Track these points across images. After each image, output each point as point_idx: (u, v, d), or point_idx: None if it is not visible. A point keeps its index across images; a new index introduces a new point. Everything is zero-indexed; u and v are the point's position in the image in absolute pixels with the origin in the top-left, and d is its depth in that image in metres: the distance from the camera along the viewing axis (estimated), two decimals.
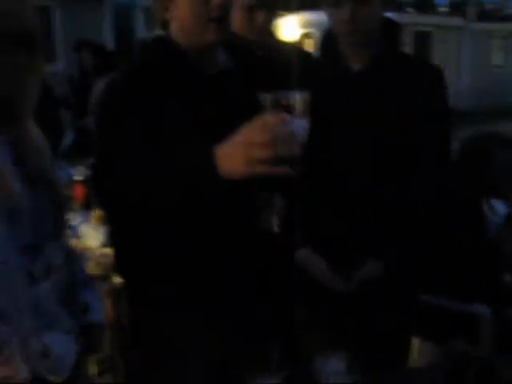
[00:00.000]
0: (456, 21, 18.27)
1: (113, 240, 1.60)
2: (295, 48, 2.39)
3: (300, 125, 1.16)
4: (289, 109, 1.16)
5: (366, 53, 1.73)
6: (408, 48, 16.25)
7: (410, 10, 20.95)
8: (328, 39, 1.79)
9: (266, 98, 1.16)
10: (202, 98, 1.40)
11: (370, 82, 1.71)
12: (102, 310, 1.49)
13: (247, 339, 1.43)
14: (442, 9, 21.57)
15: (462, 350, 1.42)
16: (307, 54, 2.20)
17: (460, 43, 18.10)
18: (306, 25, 14.42)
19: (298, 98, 1.17)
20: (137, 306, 1.55)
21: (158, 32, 1.55)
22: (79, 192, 3.09)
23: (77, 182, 3.15)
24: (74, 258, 1.46)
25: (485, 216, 2.62)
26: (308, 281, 1.71)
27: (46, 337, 1.19)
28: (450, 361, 1.41)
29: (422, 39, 16.97)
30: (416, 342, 2.33)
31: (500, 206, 3.60)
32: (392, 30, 1.79)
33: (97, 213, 2.85)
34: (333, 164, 1.68)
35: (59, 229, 1.32)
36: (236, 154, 1.16)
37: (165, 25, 1.46)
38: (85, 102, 4.89)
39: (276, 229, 1.57)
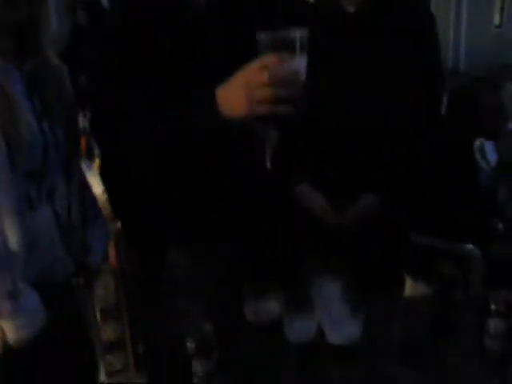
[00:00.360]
0: None
1: (109, 182, 1.60)
2: None
3: (300, 63, 1.14)
4: (288, 47, 1.12)
5: None
6: None
7: None
8: None
9: (265, 36, 1.13)
10: (191, 32, 1.42)
11: (364, 24, 1.74)
12: (102, 252, 1.54)
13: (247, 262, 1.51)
14: None
15: (449, 274, 1.49)
16: None
17: (460, 3, 17.82)
18: None
19: (297, 36, 1.13)
20: (137, 246, 1.61)
21: None
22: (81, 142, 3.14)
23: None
24: (88, 194, 1.51)
25: (477, 161, 2.70)
26: (306, 215, 1.77)
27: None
28: (438, 284, 1.48)
29: None
30: (409, 283, 2.42)
31: (493, 156, 3.68)
32: None
33: (98, 162, 2.92)
34: (328, 102, 1.71)
35: (71, 159, 1.35)
36: (237, 95, 1.15)
37: None
38: (82, 58, 4.84)
39: (268, 161, 1.63)
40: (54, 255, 1.30)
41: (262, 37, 1.12)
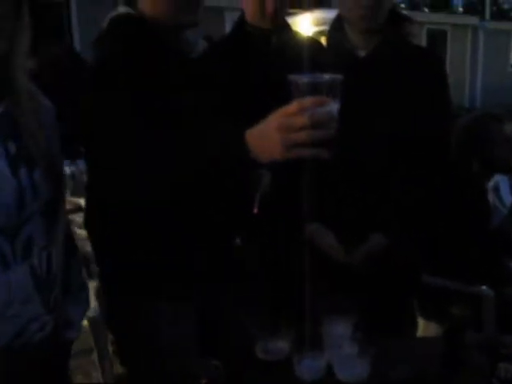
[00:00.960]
0: (471, 19, 18.20)
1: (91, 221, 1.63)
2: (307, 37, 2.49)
3: (335, 107, 1.14)
4: (324, 91, 1.12)
5: (373, 40, 1.81)
6: (423, 44, 16.27)
7: (425, 9, 20.83)
8: (337, 25, 1.87)
9: (303, 80, 1.11)
10: (188, 82, 1.46)
11: (375, 68, 1.79)
12: (81, 327, 1.44)
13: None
14: (457, 8, 21.44)
15: (461, 314, 1.50)
16: (318, 42, 2.28)
17: (476, 42, 18.02)
18: (319, 22, 14.41)
19: (335, 80, 1.14)
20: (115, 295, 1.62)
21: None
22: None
23: None
24: (72, 258, 1.39)
25: (489, 200, 2.71)
26: (317, 253, 1.80)
27: None
28: (450, 324, 1.49)
29: (437, 37, 16.94)
30: (421, 323, 2.41)
31: (508, 197, 3.68)
32: (397, 19, 1.87)
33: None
34: (339, 144, 1.75)
35: (52, 205, 1.24)
36: (272, 137, 1.13)
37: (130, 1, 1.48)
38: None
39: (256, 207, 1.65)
40: (30, 313, 1.20)
41: (302, 80, 1.12)
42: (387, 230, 1.78)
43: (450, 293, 2.32)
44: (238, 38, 2.10)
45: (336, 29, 1.87)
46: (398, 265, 1.82)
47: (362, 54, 1.83)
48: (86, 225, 1.64)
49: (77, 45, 10.85)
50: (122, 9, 1.51)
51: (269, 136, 1.14)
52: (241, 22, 2.27)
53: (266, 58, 2.08)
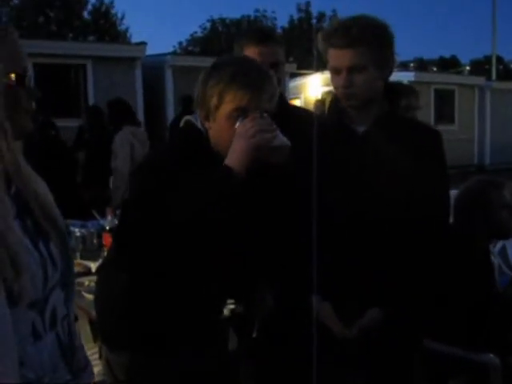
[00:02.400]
0: (478, 79, 18.52)
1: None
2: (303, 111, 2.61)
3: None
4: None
5: (368, 115, 1.87)
6: (431, 106, 16.52)
7: (433, 68, 21.21)
8: (335, 101, 1.94)
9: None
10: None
11: (373, 143, 1.85)
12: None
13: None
14: (464, 68, 21.82)
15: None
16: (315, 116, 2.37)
17: (483, 102, 18.26)
18: (328, 83, 14.76)
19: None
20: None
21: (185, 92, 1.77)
22: (108, 240, 3.28)
23: (106, 230, 3.35)
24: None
25: (493, 264, 2.72)
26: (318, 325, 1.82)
27: None
28: None
29: (445, 97, 17.19)
30: None
31: None
32: (394, 92, 1.95)
33: None
34: (337, 218, 1.80)
35: (66, 278, 1.31)
36: (238, 146, 1.54)
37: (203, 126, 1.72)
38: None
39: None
40: (59, 381, 1.25)
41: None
42: (385, 304, 1.80)
43: (455, 360, 2.31)
44: None
45: (335, 103, 1.93)
46: (396, 336, 1.83)
47: (360, 129, 1.89)
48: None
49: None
50: (188, 118, 1.79)
51: (236, 145, 1.55)
52: None
53: None
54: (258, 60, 2.19)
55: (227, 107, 1.60)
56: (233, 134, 1.57)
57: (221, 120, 1.62)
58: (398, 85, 2.93)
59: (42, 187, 1.34)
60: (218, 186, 1.53)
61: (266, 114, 1.59)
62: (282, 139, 1.57)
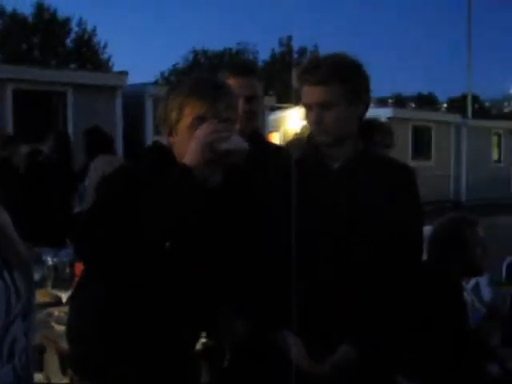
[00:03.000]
0: (454, 117, 18.90)
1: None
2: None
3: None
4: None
5: (343, 152, 1.89)
6: (408, 142, 16.78)
7: (411, 105, 21.63)
8: (311, 137, 1.95)
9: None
10: None
11: (347, 180, 1.87)
12: None
13: None
14: (442, 105, 22.27)
15: None
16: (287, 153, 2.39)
17: (459, 139, 18.62)
18: None
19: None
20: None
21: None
22: (80, 270, 3.24)
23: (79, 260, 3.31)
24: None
25: (466, 301, 2.74)
26: (287, 362, 1.79)
27: None
28: None
29: (422, 134, 17.49)
30: None
31: (487, 294, 3.70)
32: (369, 130, 1.98)
33: None
34: (311, 254, 1.81)
35: (28, 309, 1.35)
36: (191, 146, 1.57)
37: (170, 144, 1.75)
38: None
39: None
40: None
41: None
42: (357, 340, 1.79)
43: None
44: None
45: (311, 139, 1.95)
46: (369, 373, 1.82)
47: (335, 165, 1.90)
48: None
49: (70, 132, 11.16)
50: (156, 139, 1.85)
51: (190, 146, 1.58)
52: None
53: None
54: (236, 91, 2.25)
55: (187, 119, 1.66)
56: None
57: (182, 132, 1.67)
58: (373, 122, 2.97)
59: (5, 218, 1.36)
60: (177, 184, 1.55)
61: (226, 122, 1.64)
62: (236, 141, 1.59)
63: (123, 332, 1.70)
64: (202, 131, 1.58)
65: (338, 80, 1.80)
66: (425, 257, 2.49)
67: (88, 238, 1.57)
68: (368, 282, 1.81)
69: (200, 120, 1.63)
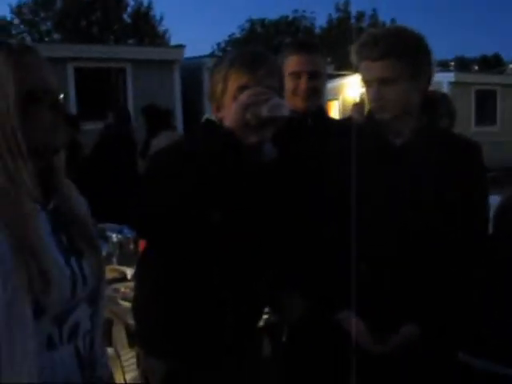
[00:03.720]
0: None
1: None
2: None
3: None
4: None
5: (406, 128, 1.84)
6: (471, 107, 16.22)
7: (474, 67, 20.84)
8: (372, 113, 1.89)
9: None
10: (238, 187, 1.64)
11: (410, 157, 1.81)
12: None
13: None
14: (507, 66, 21.37)
15: None
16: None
17: None
18: None
19: None
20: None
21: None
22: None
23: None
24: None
25: None
26: (347, 342, 1.79)
27: None
28: None
29: (486, 98, 16.84)
30: None
31: None
32: (432, 102, 1.90)
33: None
34: (371, 232, 1.78)
35: (96, 293, 1.36)
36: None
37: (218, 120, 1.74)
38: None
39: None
40: None
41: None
42: (420, 320, 1.76)
43: (496, 378, 2.24)
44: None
45: (372, 115, 1.90)
46: (433, 352, 1.79)
47: (397, 142, 1.85)
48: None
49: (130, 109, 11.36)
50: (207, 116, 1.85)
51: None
52: None
53: (301, 140, 2.16)
54: (297, 69, 2.23)
55: (231, 89, 1.68)
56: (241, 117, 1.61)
57: (228, 104, 1.67)
58: (436, 93, 2.86)
59: (80, 205, 1.38)
60: (219, 146, 1.55)
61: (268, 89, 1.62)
62: (276, 104, 1.55)
63: (182, 308, 1.72)
64: (243, 95, 1.57)
65: (398, 55, 1.74)
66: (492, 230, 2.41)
67: (139, 213, 1.61)
68: (430, 260, 1.77)
69: (242, 89, 1.62)
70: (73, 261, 1.27)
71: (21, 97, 1.17)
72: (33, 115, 1.19)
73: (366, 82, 1.82)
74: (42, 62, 1.25)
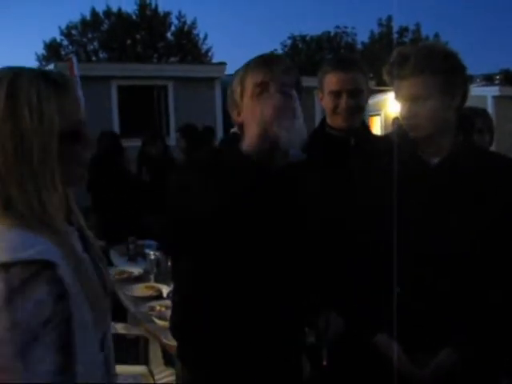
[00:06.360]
0: None
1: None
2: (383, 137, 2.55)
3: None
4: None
5: (441, 146, 1.79)
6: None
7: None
8: (404, 131, 1.85)
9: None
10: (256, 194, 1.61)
11: (447, 177, 1.76)
12: None
13: None
14: None
15: None
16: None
17: None
18: None
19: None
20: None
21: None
22: None
23: None
24: None
25: None
26: (385, 366, 1.74)
27: None
28: None
29: None
30: None
31: None
32: (469, 119, 1.85)
33: None
34: (407, 255, 1.72)
35: (107, 314, 1.39)
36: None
37: (239, 126, 1.73)
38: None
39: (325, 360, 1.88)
40: None
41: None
42: (459, 344, 1.70)
43: None
44: (318, 140, 2.20)
45: (405, 134, 1.85)
46: (470, 377, 1.72)
47: (434, 161, 1.80)
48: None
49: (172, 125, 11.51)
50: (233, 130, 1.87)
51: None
52: (322, 123, 2.36)
53: (344, 159, 2.13)
54: (337, 87, 2.20)
55: (248, 89, 1.66)
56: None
57: (247, 105, 1.66)
58: (473, 110, 2.79)
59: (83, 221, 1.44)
60: (233, 171, 1.58)
61: (290, 92, 1.60)
62: (297, 136, 1.53)
63: (219, 324, 1.69)
64: (265, 108, 1.56)
65: (429, 72, 1.70)
66: None
67: (162, 230, 1.67)
68: (467, 283, 1.71)
69: (260, 86, 1.63)
70: (99, 273, 1.34)
71: (64, 133, 1.18)
72: (71, 152, 1.22)
73: (399, 100, 1.79)
74: (78, 95, 1.28)
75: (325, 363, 2.05)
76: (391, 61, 1.78)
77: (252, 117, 1.61)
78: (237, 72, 1.73)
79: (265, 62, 1.66)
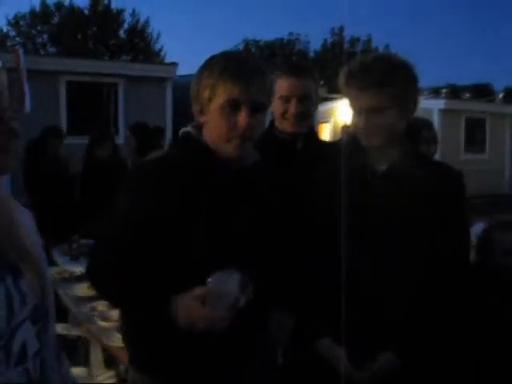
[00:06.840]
0: (510, 108, 18.24)
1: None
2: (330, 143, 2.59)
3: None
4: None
5: (389, 154, 1.83)
6: (461, 134, 16.34)
7: (465, 95, 21.03)
8: (356, 139, 1.88)
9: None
10: (218, 192, 1.61)
11: (392, 184, 1.80)
12: None
13: None
14: (498, 96, 21.62)
15: None
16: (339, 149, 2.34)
17: None
18: None
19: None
20: None
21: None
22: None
23: None
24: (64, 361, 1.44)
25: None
26: (328, 369, 1.77)
27: None
28: None
29: (476, 126, 16.97)
30: None
31: None
32: (415, 128, 1.90)
33: None
34: (352, 260, 1.73)
35: (40, 312, 1.29)
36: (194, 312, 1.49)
37: (199, 125, 1.71)
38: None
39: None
40: None
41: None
42: (399, 349, 1.74)
43: None
44: (266, 143, 2.20)
45: (356, 141, 1.88)
46: (410, 379, 1.76)
47: (381, 168, 1.84)
48: None
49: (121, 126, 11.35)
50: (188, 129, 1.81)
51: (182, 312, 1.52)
52: (270, 126, 2.37)
53: (290, 163, 2.14)
54: (287, 93, 2.21)
55: (219, 99, 1.60)
56: (225, 126, 1.61)
57: (214, 112, 1.63)
58: (418, 119, 2.87)
59: (20, 218, 1.31)
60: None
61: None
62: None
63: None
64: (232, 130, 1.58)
65: (390, 84, 1.73)
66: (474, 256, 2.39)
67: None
68: (410, 290, 1.75)
69: (232, 102, 1.58)
70: (8, 280, 1.21)
71: None
72: None
73: (354, 109, 1.81)
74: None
75: (280, 361, 2.04)
76: (351, 70, 1.79)
77: (218, 128, 1.62)
78: (210, 67, 1.63)
79: (242, 77, 1.58)
